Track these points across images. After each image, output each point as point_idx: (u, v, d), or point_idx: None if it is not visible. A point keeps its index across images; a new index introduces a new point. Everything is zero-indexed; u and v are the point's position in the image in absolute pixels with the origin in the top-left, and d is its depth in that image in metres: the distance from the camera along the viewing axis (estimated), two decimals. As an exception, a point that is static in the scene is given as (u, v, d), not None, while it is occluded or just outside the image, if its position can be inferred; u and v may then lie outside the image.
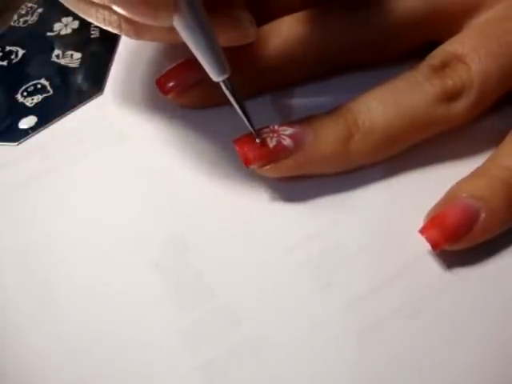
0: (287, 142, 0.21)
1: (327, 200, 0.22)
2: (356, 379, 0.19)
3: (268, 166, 0.21)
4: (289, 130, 0.21)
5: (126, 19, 0.20)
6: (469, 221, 0.20)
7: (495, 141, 0.22)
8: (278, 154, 0.21)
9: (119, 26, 0.21)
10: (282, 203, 0.23)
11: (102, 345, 0.20)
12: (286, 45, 0.24)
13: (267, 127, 0.22)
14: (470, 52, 0.22)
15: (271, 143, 0.21)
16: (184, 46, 0.20)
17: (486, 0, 0.23)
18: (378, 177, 0.23)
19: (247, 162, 0.21)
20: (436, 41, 0.23)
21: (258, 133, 0.21)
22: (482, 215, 0.20)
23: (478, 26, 0.23)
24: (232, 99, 0.21)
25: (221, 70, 0.20)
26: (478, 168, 0.21)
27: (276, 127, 0.22)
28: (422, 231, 0.20)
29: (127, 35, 0.21)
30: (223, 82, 0.20)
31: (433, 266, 0.21)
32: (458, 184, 0.21)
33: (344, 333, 0.19)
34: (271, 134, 0.21)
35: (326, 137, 0.22)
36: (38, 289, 0.21)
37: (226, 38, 0.22)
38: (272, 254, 0.21)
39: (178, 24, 0.19)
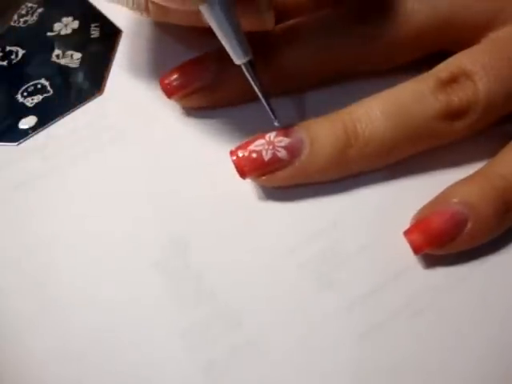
0: (282, 153, 0.21)
1: (328, 200, 0.22)
2: (358, 379, 0.19)
3: (264, 177, 0.22)
4: (284, 141, 0.21)
5: (153, 2, 0.20)
6: (455, 229, 0.20)
7: (496, 147, 0.22)
8: (272, 166, 0.21)
9: (146, 9, 0.21)
10: (282, 203, 0.23)
11: (102, 345, 0.20)
12: (293, 53, 0.23)
13: (263, 137, 0.22)
14: (479, 70, 0.21)
15: (266, 156, 0.21)
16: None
17: (500, 16, 0.22)
18: (379, 177, 0.23)
19: (243, 174, 0.22)
20: (445, 51, 0.23)
21: (276, 115, 0.22)
22: (469, 224, 0.20)
23: (490, 43, 0.22)
24: (253, 83, 0.21)
25: (243, 52, 0.20)
26: (474, 173, 0.21)
27: (272, 138, 0.21)
28: (405, 233, 0.20)
29: (155, 18, 0.22)
30: (244, 64, 0.21)
31: (435, 265, 0.21)
32: (451, 187, 0.21)
33: (346, 333, 0.20)
34: (266, 146, 0.21)
35: (324, 147, 0.21)
36: (37, 289, 0.21)
37: (245, 24, 0.21)
38: (273, 254, 0.21)
39: (203, 8, 0.19)
